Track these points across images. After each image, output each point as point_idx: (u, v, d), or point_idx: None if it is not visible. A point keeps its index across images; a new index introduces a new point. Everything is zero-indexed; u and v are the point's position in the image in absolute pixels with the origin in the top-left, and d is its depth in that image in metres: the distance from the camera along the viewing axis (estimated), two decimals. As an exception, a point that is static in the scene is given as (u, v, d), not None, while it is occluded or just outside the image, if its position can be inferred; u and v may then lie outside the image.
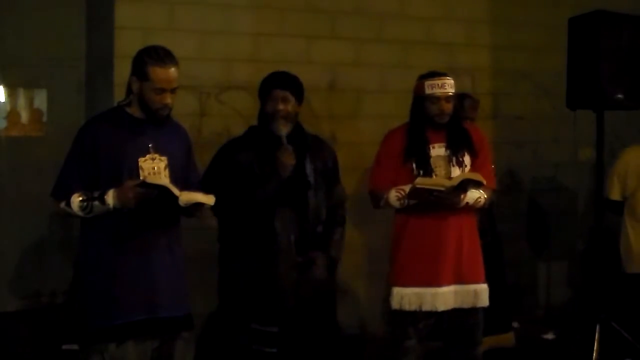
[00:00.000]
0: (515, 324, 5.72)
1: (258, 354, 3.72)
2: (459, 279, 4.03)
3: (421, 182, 3.88)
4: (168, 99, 3.28)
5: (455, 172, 4.02)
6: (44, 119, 5.54)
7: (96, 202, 3.18)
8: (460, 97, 5.13)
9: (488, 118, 5.97)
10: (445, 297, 4.00)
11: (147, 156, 3.29)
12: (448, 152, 4.05)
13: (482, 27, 6.20)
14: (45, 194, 3.37)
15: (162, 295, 3.30)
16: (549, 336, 5.87)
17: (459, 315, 4.05)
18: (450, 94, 4.03)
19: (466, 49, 6.10)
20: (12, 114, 5.48)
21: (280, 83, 3.83)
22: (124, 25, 5.02)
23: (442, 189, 3.84)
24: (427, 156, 4.03)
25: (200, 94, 5.25)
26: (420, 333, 4.08)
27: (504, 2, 6.28)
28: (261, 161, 3.75)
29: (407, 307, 4.01)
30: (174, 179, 3.31)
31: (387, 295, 4.12)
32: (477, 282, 4.08)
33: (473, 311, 4.07)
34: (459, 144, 4.06)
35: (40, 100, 5.54)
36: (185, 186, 3.31)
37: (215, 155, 3.93)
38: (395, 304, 4.04)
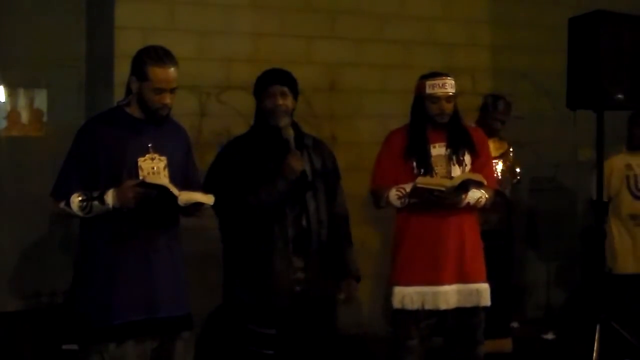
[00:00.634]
0: (514, 324, 5.73)
1: (255, 356, 3.71)
2: (462, 278, 4.03)
3: (422, 181, 3.88)
4: (167, 99, 3.28)
5: (456, 171, 4.03)
6: (44, 119, 5.54)
7: (96, 202, 3.18)
8: (494, 99, 5.15)
9: (488, 118, 5.96)
10: (447, 296, 4.00)
11: (147, 156, 3.28)
12: (448, 151, 4.06)
13: (482, 27, 6.21)
14: (45, 194, 3.37)
15: (162, 295, 3.29)
16: (549, 336, 5.87)
17: (461, 315, 4.05)
18: (451, 93, 4.04)
19: (466, 49, 6.11)
20: (12, 114, 5.48)
21: (277, 79, 3.82)
22: (124, 25, 5.03)
23: (443, 188, 3.84)
24: (428, 155, 4.03)
25: (200, 94, 5.26)
26: (422, 332, 4.08)
27: (504, 2, 6.29)
28: (265, 161, 3.73)
29: (409, 306, 4.01)
30: (173, 179, 3.30)
31: (389, 294, 4.13)
32: (479, 281, 4.08)
33: (475, 310, 4.07)
34: (459, 144, 4.07)
35: (40, 100, 5.54)
36: (184, 186, 3.31)
37: (218, 155, 3.92)
38: (397, 303, 4.04)
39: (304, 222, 3.77)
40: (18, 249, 5.37)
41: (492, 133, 5.23)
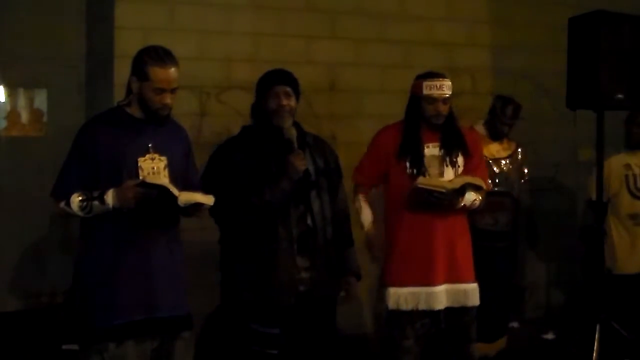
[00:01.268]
0: (514, 324, 5.73)
1: (258, 356, 3.71)
2: (451, 279, 4.05)
3: (423, 182, 3.90)
4: (168, 99, 3.28)
5: (449, 172, 4.05)
6: (44, 119, 5.54)
7: (96, 202, 3.19)
8: (503, 103, 5.15)
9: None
10: (439, 296, 4.02)
11: (147, 156, 3.29)
12: (442, 152, 4.06)
13: (482, 27, 6.21)
14: (45, 194, 3.37)
15: (162, 295, 3.30)
16: (549, 336, 5.87)
17: (453, 314, 4.08)
18: (447, 95, 4.04)
19: (466, 49, 6.11)
20: (12, 114, 5.48)
21: (281, 79, 3.82)
22: (124, 25, 5.03)
23: (444, 190, 3.86)
24: (421, 155, 4.05)
25: (200, 94, 5.25)
26: (417, 332, 4.09)
27: (504, 2, 6.28)
28: (267, 161, 3.73)
29: (403, 307, 4.03)
30: (173, 179, 3.31)
31: (382, 295, 4.14)
32: (467, 281, 4.10)
33: (466, 309, 4.09)
34: (453, 145, 4.09)
35: (40, 100, 5.54)
36: (184, 186, 3.31)
37: (212, 156, 3.90)
38: (392, 304, 4.06)
39: (308, 221, 3.77)
40: (18, 249, 5.37)
41: (500, 136, 5.23)
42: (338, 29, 5.69)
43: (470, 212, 4.18)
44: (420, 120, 4.07)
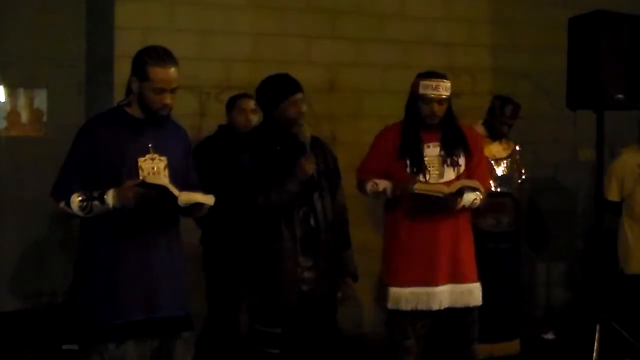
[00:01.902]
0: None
1: (260, 355, 3.71)
2: (454, 279, 4.04)
3: (420, 188, 3.89)
4: (168, 99, 3.27)
5: (449, 173, 4.04)
6: (44, 119, 5.55)
7: (96, 202, 3.18)
8: (502, 103, 5.15)
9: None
10: (440, 296, 4.01)
11: (147, 156, 3.28)
12: (442, 152, 4.06)
13: (482, 27, 6.21)
14: (45, 194, 3.36)
15: (162, 295, 3.29)
16: (549, 336, 5.87)
17: (454, 314, 4.07)
18: (444, 96, 4.03)
19: (466, 49, 6.11)
20: (12, 114, 5.49)
21: (297, 86, 3.77)
22: (124, 25, 5.03)
23: (441, 195, 3.86)
24: (421, 155, 4.04)
25: (200, 94, 5.25)
26: (418, 332, 4.08)
27: (504, 2, 6.29)
28: (276, 163, 3.72)
29: (403, 307, 4.02)
30: (173, 179, 3.30)
31: (382, 295, 4.13)
32: (470, 281, 4.09)
33: (467, 309, 4.09)
34: (453, 145, 4.08)
35: (40, 100, 5.54)
36: (184, 186, 3.31)
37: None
38: (392, 304, 4.05)
39: (312, 222, 3.77)
40: (18, 249, 5.37)
41: (498, 135, 5.23)
42: (338, 29, 5.69)
43: (472, 212, 4.18)
44: (418, 120, 4.07)
